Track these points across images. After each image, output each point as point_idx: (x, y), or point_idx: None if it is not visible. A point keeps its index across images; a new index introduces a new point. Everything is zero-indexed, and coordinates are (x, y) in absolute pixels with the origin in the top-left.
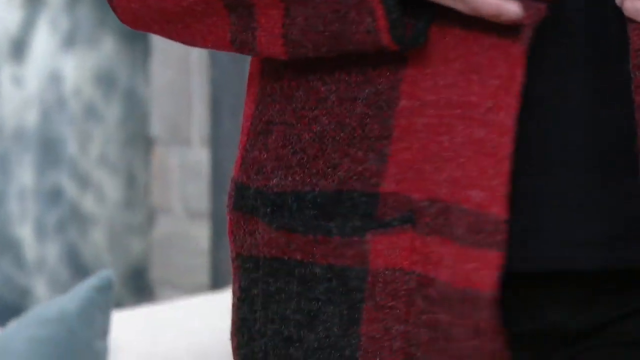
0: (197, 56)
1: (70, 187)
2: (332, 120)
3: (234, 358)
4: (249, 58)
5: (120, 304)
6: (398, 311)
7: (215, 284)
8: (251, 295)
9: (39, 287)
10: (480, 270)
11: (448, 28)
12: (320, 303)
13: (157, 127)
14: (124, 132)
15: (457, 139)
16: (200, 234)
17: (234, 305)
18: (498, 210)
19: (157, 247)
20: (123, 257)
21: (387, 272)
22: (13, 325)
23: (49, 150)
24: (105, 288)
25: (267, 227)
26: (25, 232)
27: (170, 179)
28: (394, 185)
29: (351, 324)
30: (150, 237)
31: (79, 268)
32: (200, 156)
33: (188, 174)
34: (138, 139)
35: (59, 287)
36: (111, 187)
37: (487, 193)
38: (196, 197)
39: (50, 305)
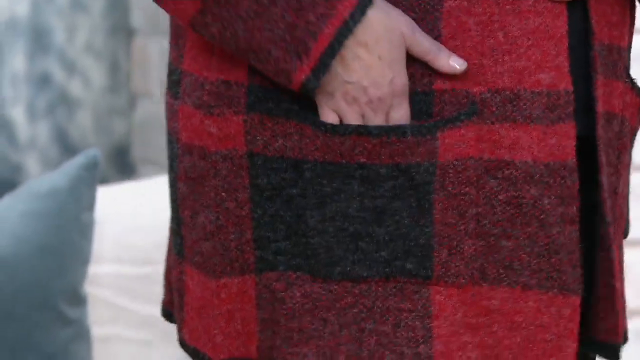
0: None
1: (58, 73)
2: None
3: (257, 252)
4: None
5: (105, 180)
6: (470, 196)
7: None
8: (287, 194)
9: (31, 164)
10: (562, 142)
11: None
12: (385, 200)
13: (138, 19)
14: (107, 23)
15: (513, 32)
16: None
17: (250, 200)
18: (566, 85)
19: (138, 128)
20: (107, 137)
21: (456, 162)
22: (7, 199)
23: (39, 39)
24: (91, 165)
25: (320, 133)
26: (17, 114)
27: (150, 66)
28: (450, 83)
29: (422, 214)
30: (132, 119)
31: (67, 147)
32: None
33: (166, 61)
34: (121, 29)
35: (49, 165)
36: (96, 73)
37: (555, 72)
38: None
39: (41, 181)
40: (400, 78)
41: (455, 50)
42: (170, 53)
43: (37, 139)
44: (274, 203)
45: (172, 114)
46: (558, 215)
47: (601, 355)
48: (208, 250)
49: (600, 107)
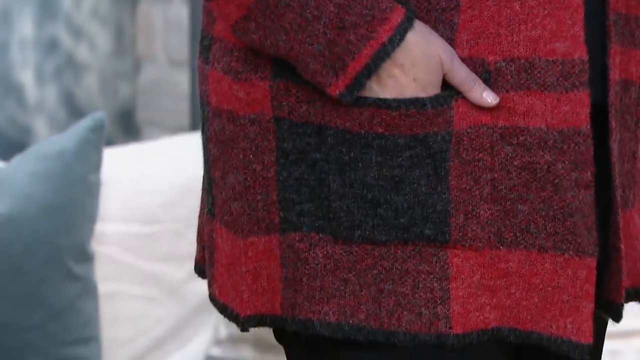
0: None
1: (65, 38)
2: None
3: (282, 213)
4: None
5: (110, 142)
6: (485, 162)
7: (195, 125)
8: (311, 158)
9: (39, 126)
10: (576, 110)
11: None
12: (403, 169)
13: None
14: None
15: (529, 2)
16: (181, 80)
17: (276, 162)
18: (580, 54)
19: (142, 92)
20: (113, 100)
21: (470, 130)
22: (16, 160)
23: (46, 6)
24: (97, 128)
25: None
26: (26, 78)
27: (154, 31)
28: (466, 51)
29: (439, 181)
30: (136, 82)
31: (74, 110)
32: (180, 11)
33: (170, 27)
34: None
35: (57, 127)
36: (102, 38)
37: (570, 41)
38: (177, 47)
39: (49, 142)
40: None
41: (473, 20)
42: (203, 19)
43: (45, 102)
44: (299, 166)
45: (203, 78)
46: (572, 180)
47: (605, 314)
48: (237, 209)
49: (614, 75)
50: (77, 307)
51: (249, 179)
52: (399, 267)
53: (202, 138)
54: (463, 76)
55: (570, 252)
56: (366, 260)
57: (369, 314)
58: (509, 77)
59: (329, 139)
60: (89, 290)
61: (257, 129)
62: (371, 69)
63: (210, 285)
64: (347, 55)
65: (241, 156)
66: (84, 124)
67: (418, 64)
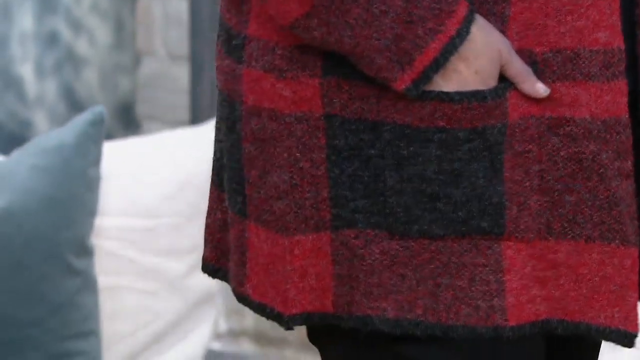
0: None
1: (65, 32)
2: None
3: (334, 210)
4: None
5: (110, 136)
6: (533, 153)
7: (194, 119)
8: (365, 154)
9: (39, 120)
10: (616, 99)
11: None
12: (462, 163)
13: None
14: None
15: None
16: (181, 74)
17: (327, 160)
18: (619, 43)
19: (142, 86)
20: (113, 94)
21: (520, 121)
22: (16, 153)
23: (47, 0)
24: (97, 122)
25: (402, 96)
26: (26, 71)
27: (154, 25)
28: (516, 43)
29: (495, 174)
30: (136, 76)
31: (74, 104)
32: (180, 6)
33: (170, 21)
34: None
35: (57, 121)
36: (102, 32)
37: (610, 31)
38: (177, 42)
39: (49, 136)
40: None
41: (523, 11)
42: (228, 19)
43: (45, 96)
44: (352, 163)
45: (232, 78)
46: (615, 169)
47: None
48: (281, 208)
49: None
50: (76, 302)
51: (295, 177)
52: (456, 260)
53: (230, 138)
54: (518, 68)
55: (617, 242)
56: (423, 255)
57: (426, 309)
58: (555, 68)
59: (385, 134)
60: (89, 284)
61: (304, 126)
62: (440, 63)
63: (240, 285)
64: (415, 49)
65: (286, 154)
66: (84, 118)
67: (480, 56)
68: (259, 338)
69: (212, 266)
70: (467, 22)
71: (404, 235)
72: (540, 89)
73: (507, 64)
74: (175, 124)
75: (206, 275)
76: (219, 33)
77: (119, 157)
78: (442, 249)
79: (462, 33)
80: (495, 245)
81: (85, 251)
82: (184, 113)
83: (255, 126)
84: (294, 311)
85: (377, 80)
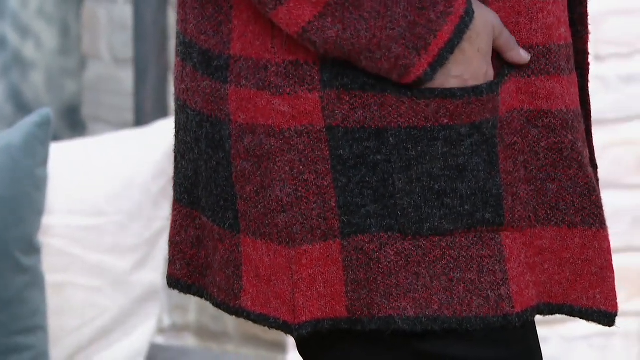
0: None
1: (12, 36)
2: None
3: (343, 217)
4: None
5: (57, 137)
6: (518, 145)
7: (138, 121)
8: (371, 161)
9: None
10: (576, 90)
11: None
12: (466, 157)
13: None
14: None
15: None
16: (125, 77)
17: (332, 170)
18: (570, 38)
19: (88, 88)
20: (59, 96)
21: (507, 114)
22: None
23: None
24: (44, 123)
25: (405, 99)
26: None
27: (99, 29)
28: None
29: (492, 166)
30: (82, 79)
31: (21, 106)
32: (124, 11)
33: (114, 26)
34: None
35: (4, 122)
36: (48, 36)
37: (565, 27)
38: (121, 46)
39: None
40: (491, 69)
41: (498, 10)
42: (204, 41)
43: None
44: (359, 170)
45: (215, 98)
46: (586, 157)
47: None
48: (284, 221)
49: (588, 59)
50: (24, 298)
51: (300, 189)
52: (465, 254)
53: (216, 156)
54: (507, 37)
55: (597, 226)
56: (434, 252)
57: (441, 304)
58: (530, 63)
59: (391, 139)
60: (37, 281)
61: (306, 140)
62: (454, 43)
63: (235, 298)
64: (429, 33)
65: (287, 168)
66: (31, 119)
67: (481, 34)
68: (202, 332)
69: (184, 283)
70: (469, 1)
71: (416, 234)
72: (525, 54)
73: (499, 37)
74: (119, 125)
75: (151, 271)
76: (187, 56)
77: (65, 157)
78: (452, 245)
79: (470, 12)
80: (497, 235)
81: (33, 249)
82: (129, 115)
83: (250, 143)
84: (303, 319)
85: (391, 77)
